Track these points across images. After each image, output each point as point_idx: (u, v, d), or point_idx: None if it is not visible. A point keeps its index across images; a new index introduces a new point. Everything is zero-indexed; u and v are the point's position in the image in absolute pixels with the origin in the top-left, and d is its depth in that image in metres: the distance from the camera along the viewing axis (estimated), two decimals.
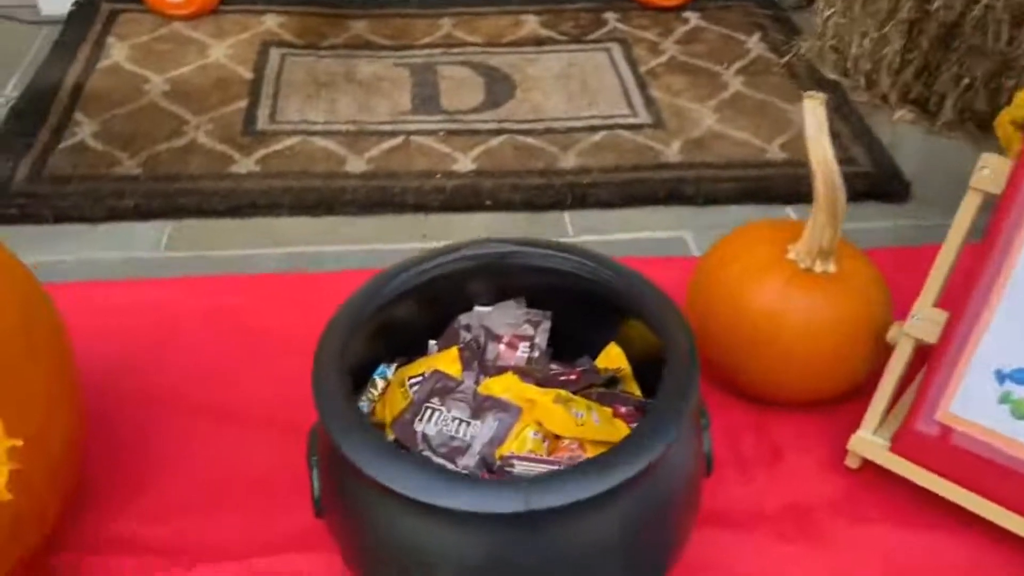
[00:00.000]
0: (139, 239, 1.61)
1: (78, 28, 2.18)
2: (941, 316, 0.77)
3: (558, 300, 0.79)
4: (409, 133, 1.88)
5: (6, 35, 2.23)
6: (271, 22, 2.23)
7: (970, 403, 0.75)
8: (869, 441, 0.81)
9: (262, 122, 1.90)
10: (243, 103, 1.95)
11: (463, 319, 0.80)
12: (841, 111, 1.99)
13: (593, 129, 1.90)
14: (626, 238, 1.65)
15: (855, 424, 0.82)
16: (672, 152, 1.84)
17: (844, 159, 1.85)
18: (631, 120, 1.94)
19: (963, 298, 0.75)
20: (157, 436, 0.81)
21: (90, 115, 1.88)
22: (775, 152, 1.85)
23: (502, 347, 0.79)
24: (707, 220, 1.67)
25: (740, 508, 0.80)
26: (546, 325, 0.80)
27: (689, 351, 0.65)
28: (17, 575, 0.65)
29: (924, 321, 0.78)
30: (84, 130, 1.84)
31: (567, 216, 1.70)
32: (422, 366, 0.75)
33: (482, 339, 0.80)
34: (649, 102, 2.01)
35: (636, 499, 0.59)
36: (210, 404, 0.83)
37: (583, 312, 0.78)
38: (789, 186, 1.73)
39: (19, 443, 0.62)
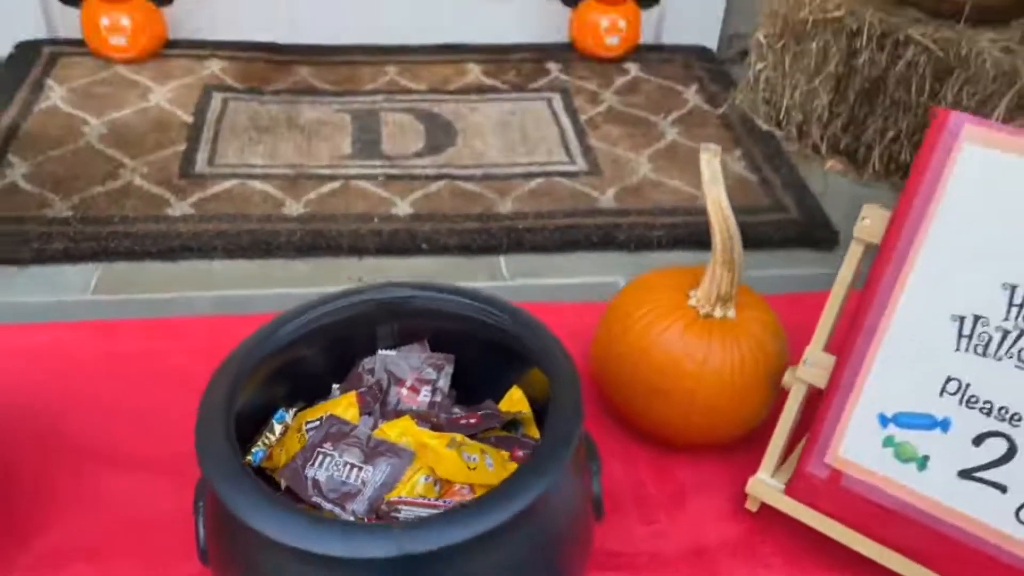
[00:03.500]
0: (68, 282, 1.59)
1: (16, 70, 2.17)
2: (829, 361, 0.79)
3: (462, 344, 0.80)
4: (348, 177, 1.90)
5: None
6: (215, 66, 2.24)
7: (856, 446, 0.77)
8: (766, 484, 0.82)
9: (200, 165, 1.90)
10: (182, 147, 1.95)
11: (367, 363, 0.81)
12: (773, 161, 2.05)
13: (531, 176, 1.94)
14: (560, 283, 1.68)
15: (756, 467, 0.83)
16: (607, 199, 1.88)
17: (776, 207, 1.91)
18: (568, 167, 1.98)
19: (848, 344, 0.77)
20: (52, 481, 0.80)
21: (23, 156, 1.87)
22: None
23: (405, 391, 0.80)
24: (640, 265, 1.70)
25: (641, 550, 0.80)
26: (448, 369, 0.80)
27: (574, 395, 0.66)
28: None
29: (814, 366, 0.80)
30: (16, 172, 1.82)
31: (503, 260, 1.72)
32: (320, 410, 0.76)
33: (385, 383, 0.80)
34: (587, 150, 2.05)
35: (516, 542, 0.59)
36: (106, 449, 0.82)
37: (487, 356, 0.79)
38: None
39: None
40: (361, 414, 0.75)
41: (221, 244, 1.68)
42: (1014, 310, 0.70)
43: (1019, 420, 0.71)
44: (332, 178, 1.89)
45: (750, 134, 2.14)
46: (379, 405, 0.78)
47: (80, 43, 2.24)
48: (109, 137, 1.96)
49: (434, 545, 0.54)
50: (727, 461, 0.88)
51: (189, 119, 2.04)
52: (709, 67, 2.44)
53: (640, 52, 2.46)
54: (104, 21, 2.16)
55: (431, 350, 0.82)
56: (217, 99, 2.13)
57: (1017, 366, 0.71)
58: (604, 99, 2.26)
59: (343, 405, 0.75)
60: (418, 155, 1.99)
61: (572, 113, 2.19)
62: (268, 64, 2.29)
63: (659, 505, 0.85)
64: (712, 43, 2.55)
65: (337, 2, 2.36)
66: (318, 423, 0.74)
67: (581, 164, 2.00)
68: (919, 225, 0.73)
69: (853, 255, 0.79)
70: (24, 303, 1.52)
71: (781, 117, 2.17)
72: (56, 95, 2.09)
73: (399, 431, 0.72)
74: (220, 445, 0.61)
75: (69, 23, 2.25)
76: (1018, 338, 0.70)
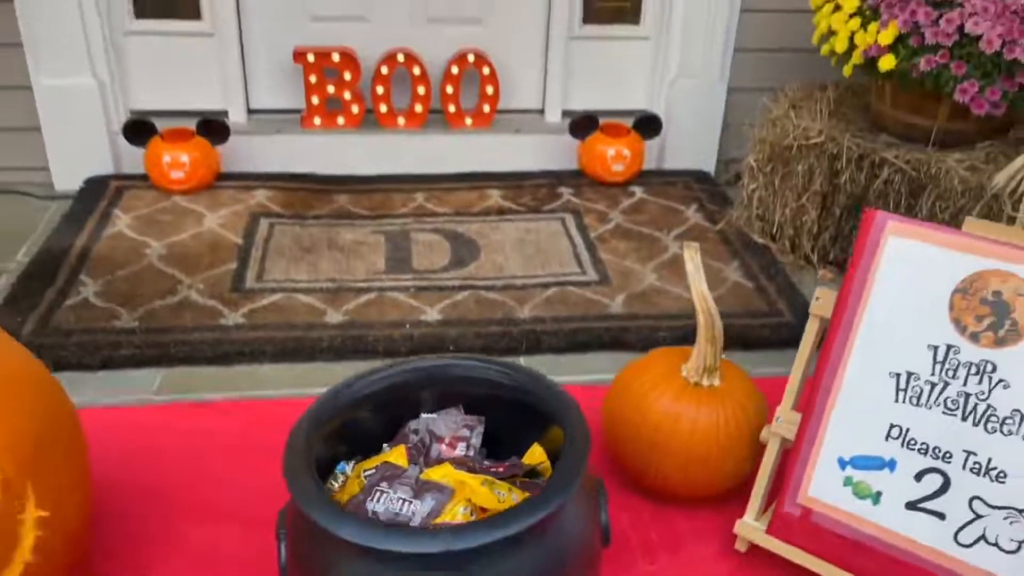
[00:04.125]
0: (134, 384, 1.77)
1: (87, 202, 2.44)
2: (796, 417, 0.95)
3: (492, 406, 0.97)
4: (383, 290, 2.10)
5: (21, 208, 2.48)
6: (262, 196, 2.51)
7: (821, 486, 0.92)
8: (751, 526, 0.96)
9: (249, 281, 2.12)
10: (233, 265, 2.18)
11: (412, 424, 0.97)
12: (768, 271, 2.25)
13: (547, 285, 2.14)
14: (575, 379, 1.83)
15: (743, 514, 0.98)
16: (616, 305, 2.07)
17: (772, 311, 2.08)
18: (581, 278, 2.18)
19: (810, 402, 0.93)
20: (149, 527, 0.95)
21: (94, 276, 2.09)
22: None
23: (444, 447, 0.95)
24: None
25: None
26: (480, 428, 0.97)
27: (583, 439, 0.82)
28: None
29: (785, 422, 0.96)
30: (88, 289, 2.04)
31: (522, 360, 1.89)
32: (376, 461, 0.92)
33: (427, 440, 0.96)
34: (597, 263, 2.26)
35: (534, 550, 0.74)
36: (192, 505, 0.98)
37: (512, 416, 0.95)
38: None
39: (45, 514, 0.77)
40: (409, 463, 0.92)
41: (269, 349, 1.87)
42: (937, 366, 0.87)
43: (950, 458, 0.86)
44: (368, 290, 2.10)
45: (746, 247, 2.34)
46: (423, 457, 0.94)
47: (143, 177, 2.51)
48: (169, 258, 2.19)
49: (469, 544, 0.70)
50: (720, 510, 1.02)
51: (239, 241, 2.28)
52: (707, 189, 2.68)
53: (644, 177, 2.71)
54: (166, 158, 2.44)
55: (465, 413, 0.98)
56: (264, 224, 2.38)
57: (944, 413, 0.86)
58: (612, 218, 2.49)
59: (395, 455, 0.92)
60: (445, 269, 2.20)
61: (583, 231, 2.42)
62: (309, 193, 2.55)
63: (660, 547, 0.99)
64: (710, 168, 2.80)
65: (370, 138, 2.64)
66: (374, 470, 0.90)
67: (592, 275, 2.20)
68: (859, 301, 0.91)
69: (811, 329, 0.96)
70: (96, 403, 1.69)
71: (774, 231, 2.38)
72: (122, 222, 2.35)
73: (441, 474, 0.88)
74: (305, 478, 0.77)
75: (134, 160, 2.53)
76: (943, 389, 0.87)
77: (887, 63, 2.03)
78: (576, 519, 0.79)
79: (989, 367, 0.85)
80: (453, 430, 0.97)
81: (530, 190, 2.63)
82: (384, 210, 2.49)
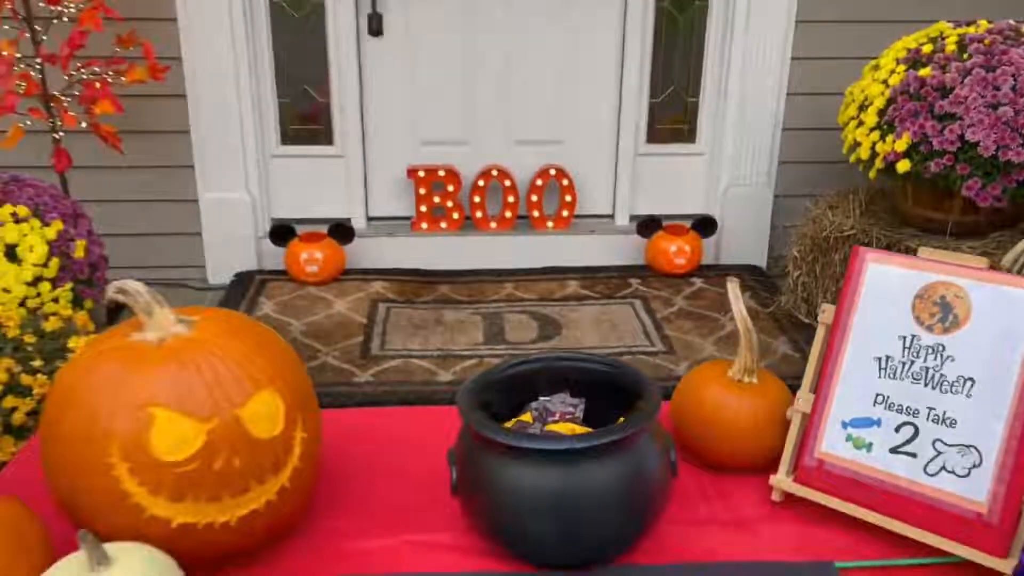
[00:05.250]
0: None
1: (237, 292, 2.96)
2: (811, 396, 1.32)
3: (591, 389, 1.36)
4: (482, 357, 2.52)
5: (182, 298, 3.01)
6: (379, 286, 2.99)
7: (830, 442, 1.28)
8: (782, 479, 1.31)
9: (375, 350, 2.57)
10: (360, 338, 2.64)
11: (533, 405, 1.36)
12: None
13: (620, 354, 2.53)
14: None
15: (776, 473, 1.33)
16: (680, 370, 2.44)
17: None
18: (649, 349, 2.57)
19: (820, 384, 1.31)
20: (350, 481, 1.36)
21: None
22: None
23: (556, 419, 1.34)
24: None
25: (701, 518, 1.29)
26: (582, 407, 1.35)
27: (657, 396, 1.20)
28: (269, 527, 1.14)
29: (803, 401, 1.32)
30: None
31: None
32: (512, 422, 1.31)
33: (544, 416, 1.35)
34: (663, 338, 2.65)
35: (627, 456, 1.11)
36: (375, 470, 1.39)
37: (606, 397, 1.33)
38: None
39: (306, 435, 1.18)
40: (535, 422, 1.31)
41: (394, 400, 2.30)
42: (906, 351, 1.24)
43: (918, 414, 1.22)
44: (470, 357, 2.52)
45: (793, 325, 2.71)
46: (541, 425, 1.34)
47: (283, 272, 3.04)
48: (308, 333, 2.67)
49: (583, 444, 1.09)
50: (758, 475, 1.37)
51: (363, 320, 2.75)
52: (759, 279, 3.07)
53: (702, 269, 3.12)
54: (303, 255, 2.96)
55: (570, 395, 1.38)
56: (382, 308, 2.85)
57: (911, 382, 1.23)
58: (675, 303, 2.90)
59: (525, 417, 1.31)
60: (533, 341, 2.62)
61: (651, 313, 2.82)
62: (418, 283, 3.03)
63: (714, 495, 1.34)
64: (761, 262, 3.20)
65: (468, 239, 3.14)
66: (513, 426, 1.30)
67: (659, 347, 2.58)
68: (851, 309, 1.30)
69: (820, 333, 1.35)
70: None
71: (817, 312, 2.74)
72: (267, 307, 2.85)
73: (557, 427, 1.27)
74: (474, 407, 1.18)
75: (275, 258, 3.06)
76: (911, 366, 1.23)
77: (903, 166, 2.44)
78: (652, 447, 1.17)
79: (941, 348, 1.23)
80: (562, 408, 1.35)
81: (603, 280, 3.07)
82: (480, 297, 2.95)
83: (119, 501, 1.07)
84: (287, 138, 3.14)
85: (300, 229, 3.04)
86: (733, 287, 1.43)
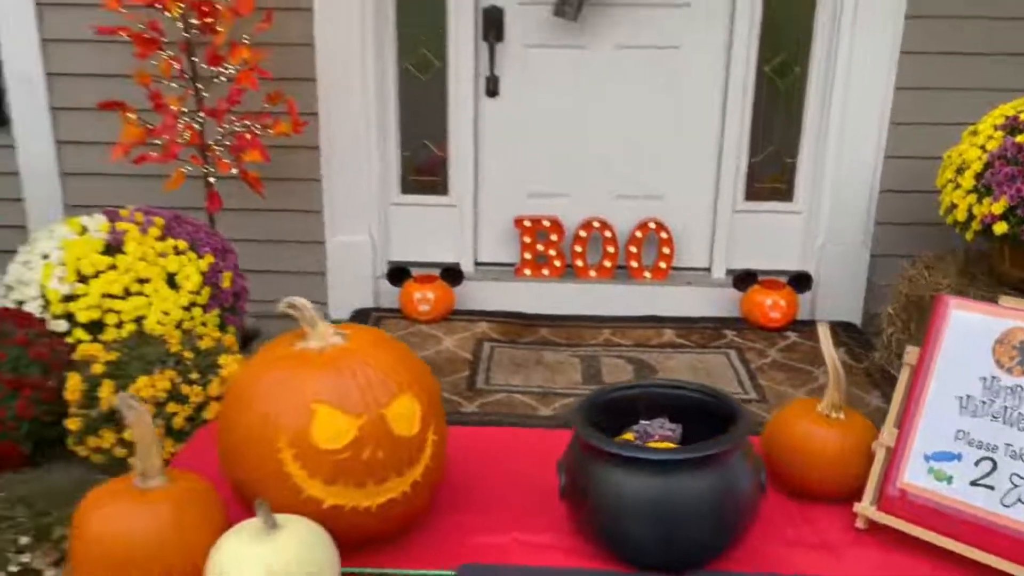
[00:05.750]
0: None
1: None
2: (895, 431, 1.43)
3: (687, 416, 1.50)
4: (580, 395, 2.67)
5: None
6: (484, 326, 3.19)
7: (913, 475, 1.37)
8: (866, 507, 1.41)
9: (479, 384, 2.75)
10: (466, 373, 2.83)
11: (634, 427, 1.50)
12: None
13: None
14: None
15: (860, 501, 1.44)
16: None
17: None
18: (743, 396, 2.67)
19: (904, 420, 1.41)
20: (469, 485, 1.53)
21: None
22: None
23: (654, 441, 1.48)
24: None
25: (789, 539, 1.40)
26: (679, 431, 1.48)
27: (748, 420, 1.34)
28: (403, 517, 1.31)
29: (888, 435, 1.43)
30: None
31: None
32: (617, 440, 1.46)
33: (643, 439, 1.48)
34: (757, 387, 2.74)
35: (722, 470, 1.24)
36: (490, 475, 1.56)
37: (701, 422, 1.47)
38: None
39: (436, 438, 1.36)
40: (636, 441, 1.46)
41: None
42: (986, 391, 1.34)
43: (995, 450, 1.31)
44: (569, 396, 2.67)
45: (886, 380, 2.76)
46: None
47: (397, 310, 3.27)
48: None
49: (682, 456, 1.23)
50: (844, 504, 1.48)
51: (469, 357, 2.94)
52: (854, 336, 3.13)
53: (797, 324, 3.19)
54: (416, 295, 3.20)
55: (669, 420, 1.52)
56: (487, 346, 3.04)
57: (991, 420, 1.32)
58: (769, 355, 2.98)
59: (626, 437, 1.46)
60: None
61: (745, 363, 2.92)
62: (520, 325, 3.21)
63: (801, 522, 1.45)
64: (856, 319, 3.26)
65: (568, 285, 3.31)
66: None
67: (753, 395, 2.68)
68: (934, 351, 1.41)
69: (904, 373, 1.46)
70: None
71: None
72: None
73: (655, 445, 1.42)
74: (584, 423, 1.34)
75: (390, 297, 3.31)
76: (991, 405, 1.33)
77: (1000, 228, 2.49)
78: (744, 465, 1.29)
79: (1019, 388, 1.33)
80: (660, 431, 1.49)
81: (698, 331, 3.18)
82: (578, 340, 3.11)
83: (283, 482, 1.28)
84: (406, 188, 3.41)
85: (414, 271, 3.28)
86: (823, 328, 1.56)
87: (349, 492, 1.29)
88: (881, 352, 2.90)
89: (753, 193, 3.36)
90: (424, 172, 3.41)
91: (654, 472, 1.26)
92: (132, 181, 3.10)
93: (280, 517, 1.19)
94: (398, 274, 3.27)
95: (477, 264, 3.45)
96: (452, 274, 3.26)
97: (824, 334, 1.56)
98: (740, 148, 3.29)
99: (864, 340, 3.09)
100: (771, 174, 3.36)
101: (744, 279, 3.22)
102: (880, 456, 1.45)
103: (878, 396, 2.67)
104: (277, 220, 3.25)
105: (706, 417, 1.45)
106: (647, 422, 1.53)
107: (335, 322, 3.20)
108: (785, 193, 3.37)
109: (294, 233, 3.29)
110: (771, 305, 3.15)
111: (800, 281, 3.22)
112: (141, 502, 1.22)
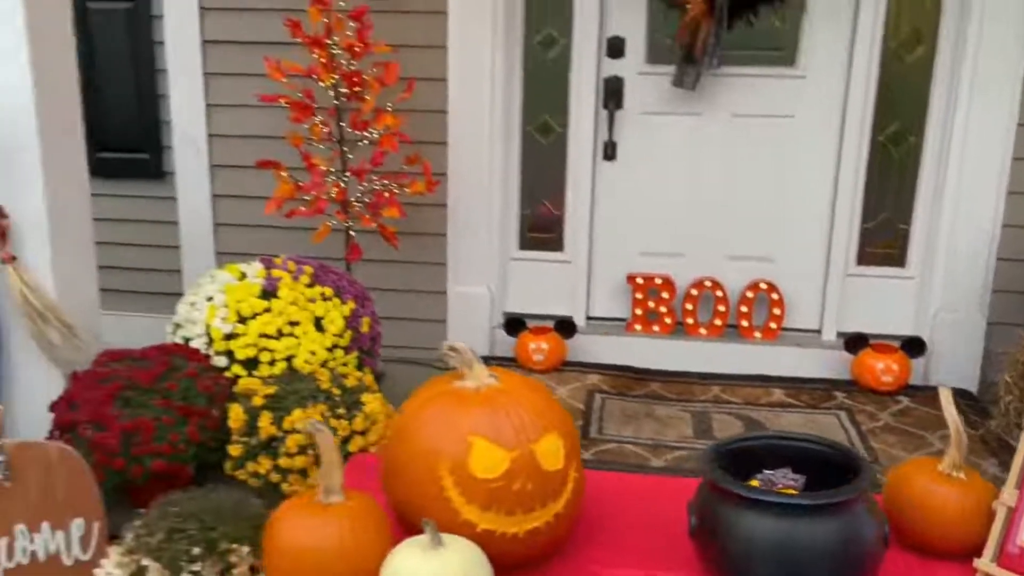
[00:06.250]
0: None
1: None
2: (1015, 491, 1.49)
3: (808, 469, 1.59)
4: (692, 448, 2.76)
5: (424, 376, 3.45)
6: (595, 379, 3.32)
7: None
8: (986, 562, 1.47)
9: (592, 433, 2.87)
10: (579, 423, 2.95)
11: (758, 476, 1.60)
12: None
13: None
14: None
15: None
16: (885, 479, 2.55)
17: None
18: None
19: None
20: (602, 522, 1.66)
21: None
22: None
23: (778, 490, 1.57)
24: None
25: None
26: (802, 483, 1.57)
27: (870, 471, 1.43)
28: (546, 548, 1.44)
29: (1008, 495, 1.49)
30: None
31: None
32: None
33: (768, 486, 1.58)
34: (868, 448, 2.77)
35: (845, 520, 1.33)
36: (624, 512, 1.68)
37: (823, 477, 1.56)
38: None
39: (577, 475, 1.50)
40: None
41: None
42: None
43: None
44: (681, 449, 2.76)
45: (1004, 448, 2.74)
46: None
47: (511, 359, 3.44)
48: None
49: (811, 501, 1.33)
50: (963, 561, 1.53)
51: (582, 407, 3.07)
52: (970, 404, 3.11)
53: (910, 389, 3.20)
54: (532, 346, 3.36)
55: (792, 471, 1.62)
56: (598, 398, 3.17)
57: None
58: (881, 418, 3.00)
59: (752, 483, 1.57)
60: None
61: (856, 425, 2.95)
62: (630, 379, 3.33)
63: (919, 572, 1.52)
64: (972, 387, 3.23)
65: (678, 342, 3.42)
66: None
67: (865, 456, 2.71)
68: None
69: (1020, 449, 1.52)
70: None
71: None
72: None
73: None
74: (716, 469, 1.46)
75: (504, 346, 3.49)
76: None
77: None
78: (867, 516, 1.38)
79: None
80: (784, 481, 1.59)
81: (808, 391, 3.22)
82: (688, 396, 3.20)
83: (442, 505, 1.44)
84: (524, 244, 3.61)
85: (529, 322, 3.45)
86: (945, 392, 1.64)
87: (500, 518, 1.44)
88: (998, 420, 2.88)
89: (865, 257, 3.41)
90: (541, 229, 3.60)
91: (782, 515, 1.37)
92: (276, 232, 3.41)
93: (444, 536, 1.35)
94: (514, 324, 3.45)
95: (589, 318, 3.59)
96: (565, 326, 3.42)
97: (946, 397, 1.63)
98: (852, 213, 3.35)
99: (980, 408, 3.07)
100: (883, 239, 3.41)
101: (855, 342, 3.25)
102: (1001, 515, 1.50)
103: (994, 464, 2.66)
104: (404, 270, 3.48)
105: (828, 471, 1.55)
106: (771, 472, 1.63)
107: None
108: (897, 258, 3.41)
109: (419, 283, 3.52)
110: (883, 369, 3.17)
111: (913, 346, 3.23)
112: (324, 515, 1.40)
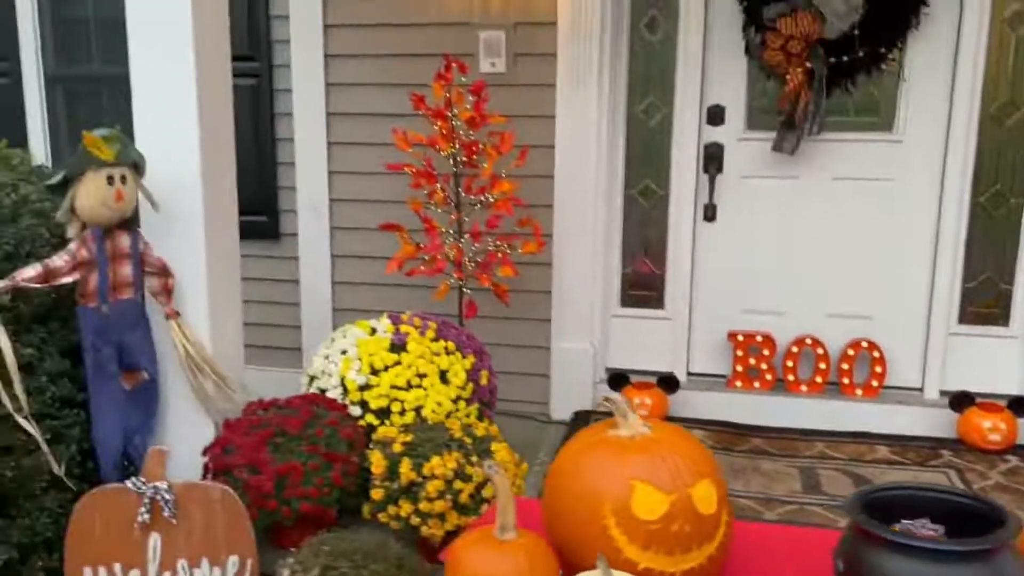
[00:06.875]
0: None
1: (576, 427, 3.50)
2: None
3: (947, 520, 1.66)
4: (801, 504, 2.82)
5: (526, 428, 3.59)
6: (698, 433, 3.40)
7: None
8: None
9: None
10: None
11: (897, 526, 1.68)
12: None
13: None
14: None
15: None
16: None
17: None
18: None
19: None
20: (750, 567, 1.75)
21: None
22: None
23: None
24: None
25: None
26: (942, 533, 1.65)
27: (1017, 525, 1.50)
28: None
29: None
30: None
31: None
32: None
33: None
34: None
35: (991, 566, 1.40)
36: (764, 555, 1.77)
37: (961, 528, 1.63)
38: None
39: (729, 519, 1.61)
40: None
41: None
42: None
43: None
44: (791, 503, 2.82)
45: None
46: None
47: (608, 413, 3.54)
48: None
49: (956, 547, 1.42)
50: None
51: None
52: None
53: (1018, 449, 3.20)
54: (636, 400, 3.46)
55: (931, 521, 1.69)
56: None
57: None
58: (991, 477, 3.01)
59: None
60: None
61: (966, 483, 2.96)
62: (732, 434, 3.40)
63: None
64: None
65: (779, 399, 3.48)
66: None
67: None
68: None
69: None
70: None
71: None
72: None
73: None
74: (864, 516, 1.55)
75: None
76: None
77: None
78: (1013, 563, 1.46)
79: None
80: (923, 531, 1.66)
81: (914, 449, 3.25)
82: (792, 452, 3.25)
83: (605, 544, 1.56)
84: (625, 301, 3.75)
85: (632, 378, 3.57)
86: None
87: (660, 558, 1.55)
88: None
89: (967, 316, 3.45)
90: (642, 287, 3.74)
91: (930, 560, 1.45)
92: (389, 290, 3.62)
93: (615, 572, 1.47)
94: (617, 379, 3.57)
95: (689, 374, 3.69)
96: (668, 382, 3.52)
97: None
98: (953, 274, 3.40)
99: None
100: (985, 299, 3.44)
101: (960, 400, 3.28)
102: None
103: None
104: (510, 326, 3.64)
105: (966, 522, 1.62)
106: (909, 522, 1.71)
107: (555, 423, 3.52)
108: (1000, 318, 3.43)
109: (524, 339, 3.67)
110: (991, 427, 3.18)
111: (1019, 405, 3.24)
112: (502, 550, 1.53)
